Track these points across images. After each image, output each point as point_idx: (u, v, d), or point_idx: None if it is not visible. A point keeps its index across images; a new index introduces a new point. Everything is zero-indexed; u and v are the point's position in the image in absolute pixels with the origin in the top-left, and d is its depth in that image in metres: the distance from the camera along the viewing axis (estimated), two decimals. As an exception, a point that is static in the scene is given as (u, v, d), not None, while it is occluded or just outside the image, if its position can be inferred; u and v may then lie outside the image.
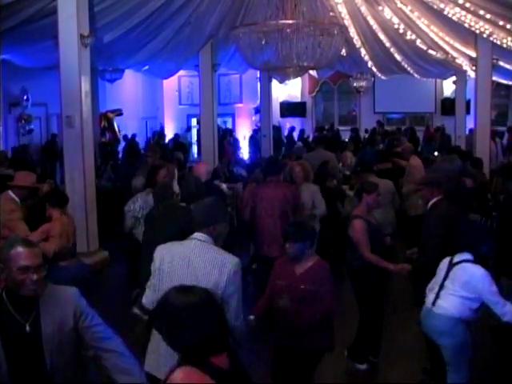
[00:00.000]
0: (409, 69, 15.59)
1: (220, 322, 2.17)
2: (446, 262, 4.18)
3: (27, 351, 2.60)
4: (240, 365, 2.26)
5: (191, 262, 3.16)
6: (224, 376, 2.09)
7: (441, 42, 12.39)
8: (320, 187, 6.88)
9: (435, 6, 9.73)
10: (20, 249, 2.56)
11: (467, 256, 4.06)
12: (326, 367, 4.61)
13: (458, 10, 9.65)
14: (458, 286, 4.01)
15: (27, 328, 2.58)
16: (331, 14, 8.70)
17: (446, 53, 13.13)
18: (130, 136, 16.14)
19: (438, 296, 4.12)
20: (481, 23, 10.26)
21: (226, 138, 17.18)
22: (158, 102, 19.79)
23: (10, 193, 5.58)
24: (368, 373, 5.06)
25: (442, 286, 4.11)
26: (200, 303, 2.13)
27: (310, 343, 3.91)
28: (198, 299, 2.14)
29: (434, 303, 4.12)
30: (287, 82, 17.29)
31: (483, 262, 4.03)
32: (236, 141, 17.56)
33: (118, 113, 15.98)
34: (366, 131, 18.48)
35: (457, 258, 4.10)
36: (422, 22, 11.03)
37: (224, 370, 2.10)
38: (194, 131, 19.46)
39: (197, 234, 3.26)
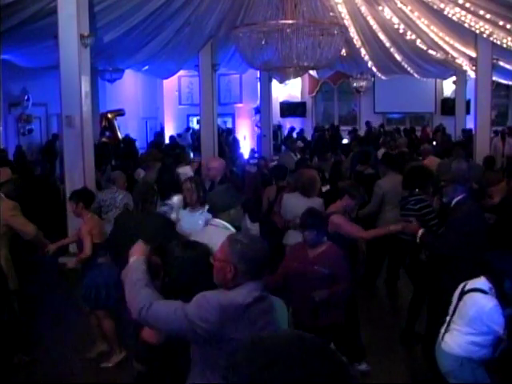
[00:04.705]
0: (409, 69, 15.59)
1: None
2: (459, 288, 3.74)
3: None
4: None
5: None
6: None
7: (441, 42, 12.39)
8: (332, 188, 7.00)
9: (435, 6, 9.73)
10: None
11: (481, 284, 3.58)
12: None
13: (458, 9, 9.64)
14: (464, 322, 3.59)
15: None
16: (331, 14, 8.67)
17: (446, 53, 13.13)
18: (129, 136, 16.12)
19: (446, 330, 3.72)
20: (481, 23, 10.26)
21: (223, 135, 17.13)
22: (158, 102, 19.77)
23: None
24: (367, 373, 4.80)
25: (451, 318, 3.71)
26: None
27: (322, 321, 4.12)
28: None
29: (443, 337, 3.72)
30: (287, 82, 17.30)
31: (502, 297, 3.50)
32: (235, 140, 17.49)
33: (120, 113, 15.95)
34: (371, 129, 18.41)
35: (469, 285, 3.65)
36: (422, 22, 11.03)
37: None
38: (194, 131, 19.44)
39: (213, 220, 3.70)
